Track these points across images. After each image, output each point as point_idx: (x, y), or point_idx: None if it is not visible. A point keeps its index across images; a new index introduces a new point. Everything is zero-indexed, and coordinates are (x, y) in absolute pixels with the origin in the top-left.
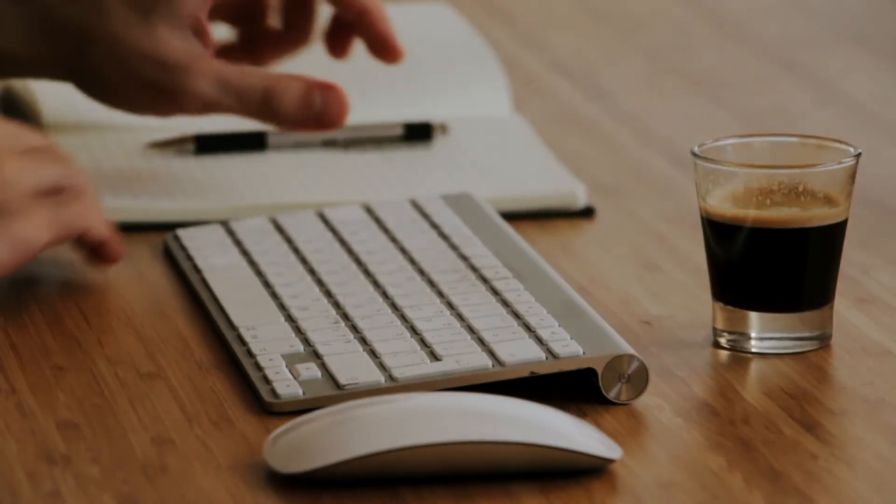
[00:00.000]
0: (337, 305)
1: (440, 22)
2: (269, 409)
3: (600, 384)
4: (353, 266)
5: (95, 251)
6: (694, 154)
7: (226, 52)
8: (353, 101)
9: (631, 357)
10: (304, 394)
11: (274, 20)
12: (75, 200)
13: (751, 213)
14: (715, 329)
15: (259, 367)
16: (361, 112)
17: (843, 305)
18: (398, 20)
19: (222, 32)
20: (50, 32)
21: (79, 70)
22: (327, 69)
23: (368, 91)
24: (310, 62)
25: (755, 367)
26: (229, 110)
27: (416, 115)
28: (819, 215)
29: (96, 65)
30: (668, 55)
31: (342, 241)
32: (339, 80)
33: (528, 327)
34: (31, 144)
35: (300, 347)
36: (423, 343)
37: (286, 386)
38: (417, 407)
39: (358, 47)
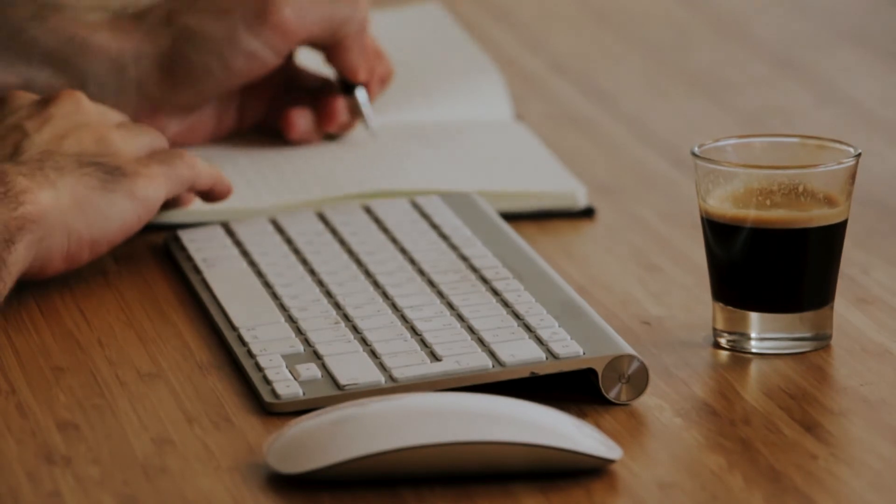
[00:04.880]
0: (337, 306)
1: (435, 29)
2: (270, 410)
3: (600, 384)
4: (354, 266)
5: (207, 195)
6: (694, 154)
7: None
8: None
9: (631, 357)
10: (304, 394)
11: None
12: (178, 158)
13: (751, 214)
14: (715, 329)
15: (259, 368)
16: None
17: (843, 305)
18: (394, 27)
19: None
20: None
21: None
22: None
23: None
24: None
25: (755, 367)
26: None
27: (420, 118)
28: (819, 215)
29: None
30: (668, 55)
31: (342, 242)
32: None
33: (528, 328)
34: (119, 120)
35: (300, 348)
36: (424, 343)
37: (286, 386)
38: (417, 407)
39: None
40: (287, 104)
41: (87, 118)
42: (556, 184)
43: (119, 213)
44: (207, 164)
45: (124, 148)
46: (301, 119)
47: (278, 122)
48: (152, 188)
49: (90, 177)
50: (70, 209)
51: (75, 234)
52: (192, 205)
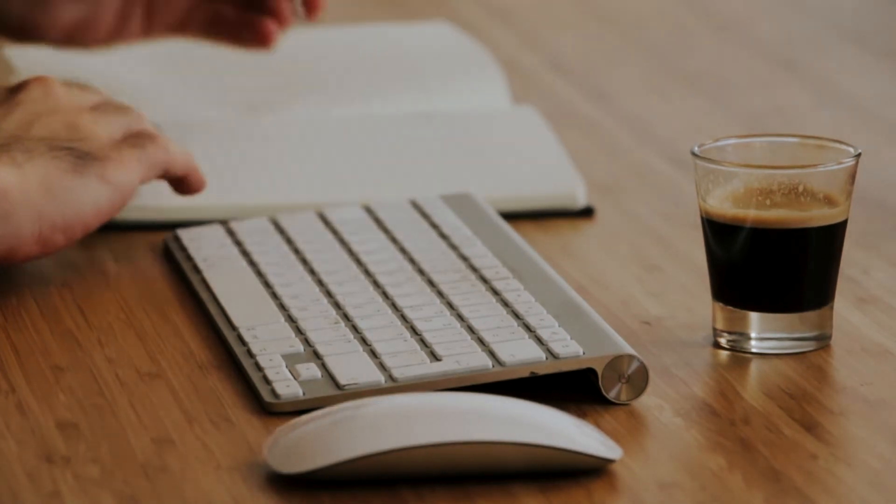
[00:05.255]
0: (337, 305)
1: (442, 36)
2: (269, 410)
3: (600, 384)
4: (353, 266)
5: (179, 184)
6: (694, 154)
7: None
8: (360, 95)
9: (631, 357)
10: (304, 394)
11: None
12: (150, 141)
13: (751, 214)
14: (715, 329)
15: (259, 368)
16: (364, 108)
17: (843, 305)
18: (402, 37)
19: None
20: None
21: None
22: (329, 66)
23: (373, 86)
24: (317, 56)
25: (755, 367)
26: None
27: (419, 108)
28: (819, 215)
29: None
30: (668, 55)
31: (342, 241)
32: (343, 76)
33: (527, 327)
34: (95, 101)
35: (300, 347)
36: (423, 343)
37: (286, 386)
38: (417, 407)
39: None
40: (208, 14)
41: (57, 103)
42: (555, 183)
43: (92, 197)
44: (182, 148)
45: (96, 131)
46: (274, 28)
47: (245, 36)
48: (124, 172)
49: (61, 160)
50: (39, 191)
51: (47, 218)
52: (191, 198)
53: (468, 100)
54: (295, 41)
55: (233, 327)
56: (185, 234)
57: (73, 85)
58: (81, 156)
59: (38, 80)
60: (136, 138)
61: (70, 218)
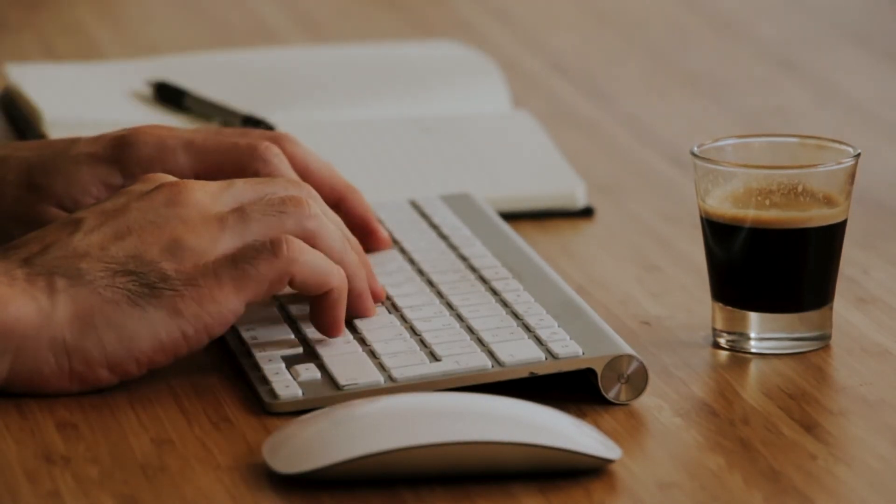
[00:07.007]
0: None
1: (450, 49)
2: (269, 410)
3: (600, 384)
4: None
5: (315, 306)
6: (693, 154)
7: None
8: (361, 101)
9: (630, 357)
10: (303, 394)
11: None
12: (268, 256)
13: (750, 214)
14: (714, 329)
15: (258, 368)
16: (366, 110)
17: (842, 305)
18: (408, 50)
19: None
20: None
21: None
22: (332, 75)
23: (373, 92)
24: (325, 84)
25: (755, 367)
26: None
27: (419, 112)
28: (818, 216)
29: None
30: (668, 55)
31: None
32: (341, 83)
33: (527, 327)
34: (238, 202)
35: (300, 348)
36: (423, 343)
37: (285, 386)
38: (417, 407)
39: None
40: None
41: (170, 214)
42: (555, 183)
43: (150, 330)
44: (322, 262)
45: (202, 248)
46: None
47: None
48: (210, 303)
49: (115, 290)
50: (69, 324)
51: (79, 353)
52: None
53: (468, 105)
54: (299, 53)
55: (232, 327)
56: None
57: (247, 185)
58: (150, 284)
59: (172, 185)
60: (251, 252)
61: (115, 353)
